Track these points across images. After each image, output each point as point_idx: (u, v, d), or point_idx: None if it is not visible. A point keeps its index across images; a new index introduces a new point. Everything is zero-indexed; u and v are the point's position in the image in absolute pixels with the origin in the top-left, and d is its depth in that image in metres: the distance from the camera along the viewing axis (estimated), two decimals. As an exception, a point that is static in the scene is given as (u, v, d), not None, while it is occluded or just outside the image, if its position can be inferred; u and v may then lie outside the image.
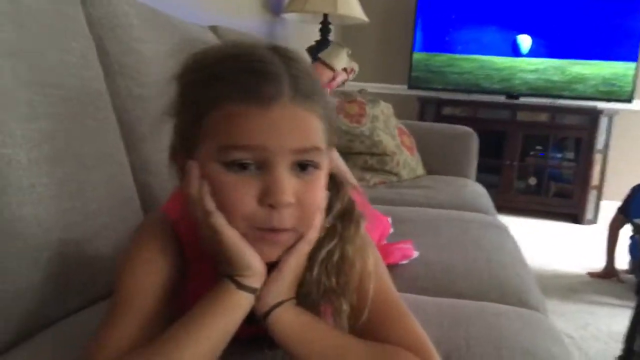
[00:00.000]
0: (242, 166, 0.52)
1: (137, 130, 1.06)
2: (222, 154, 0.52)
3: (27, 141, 0.73)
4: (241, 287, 0.54)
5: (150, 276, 0.58)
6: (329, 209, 0.61)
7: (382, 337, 0.58)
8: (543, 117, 3.60)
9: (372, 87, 3.30)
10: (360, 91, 2.14)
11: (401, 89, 3.90)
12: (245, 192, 0.52)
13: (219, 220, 0.53)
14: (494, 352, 0.69)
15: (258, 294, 0.55)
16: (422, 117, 3.65)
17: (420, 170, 2.14)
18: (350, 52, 2.09)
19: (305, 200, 0.54)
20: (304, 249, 0.57)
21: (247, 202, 0.52)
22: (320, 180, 0.56)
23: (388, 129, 2.02)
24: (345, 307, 0.58)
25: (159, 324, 0.55)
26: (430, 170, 2.20)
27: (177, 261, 0.61)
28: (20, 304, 0.68)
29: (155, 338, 0.52)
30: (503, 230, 1.42)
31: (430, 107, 3.66)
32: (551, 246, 3.02)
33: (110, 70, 1.04)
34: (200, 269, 0.62)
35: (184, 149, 0.56)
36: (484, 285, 1.01)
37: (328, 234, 0.60)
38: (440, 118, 3.57)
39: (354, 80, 2.26)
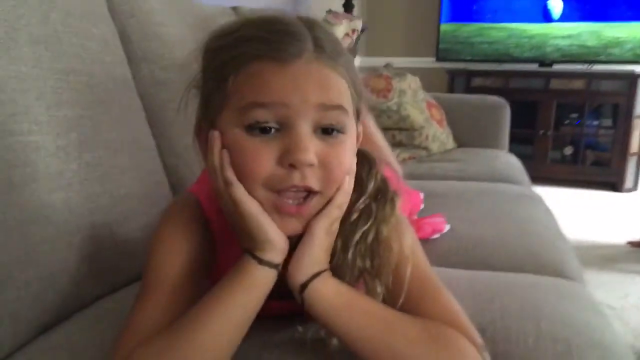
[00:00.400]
0: (263, 130, 0.50)
1: (162, 114, 1.06)
2: (243, 116, 0.51)
3: (54, 128, 0.74)
4: (262, 262, 0.53)
5: (177, 258, 0.58)
6: (361, 188, 0.59)
7: (420, 314, 0.56)
8: (578, 84, 3.47)
9: (398, 61, 3.23)
10: (386, 65, 2.10)
11: (429, 61, 3.81)
12: (265, 155, 0.50)
13: (239, 191, 0.52)
14: (532, 324, 0.67)
15: (290, 265, 0.54)
16: (451, 90, 3.56)
17: (450, 144, 2.10)
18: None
19: (329, 163, 0.52)
20: (334, 213, 0.55)
21: (266, 165, 0.50)
22: (346, 144, 0.54)
23: (416, 103, 1.98)
24: (380, 289, 0.57)
25: (189, 306, 0.55)
26: (460, 143, 2.15)
27: (205, 242, 0.61)
28: (55, 287, 0.69)
29: (179, 319, 0.52)
30: (537, 201, 1.38)
31: (459, 80, 3.57)
32: (589, 216, 2.94)
33: (134, 56, 1.04)
34: (228, 249, 0.62)
35: (208, 120, 0.55)
36: (519, 257, 0.98)
37: (362, 214, 0.58)
38: (470, 90, 3.47)
39: (379, 55, 2.22)
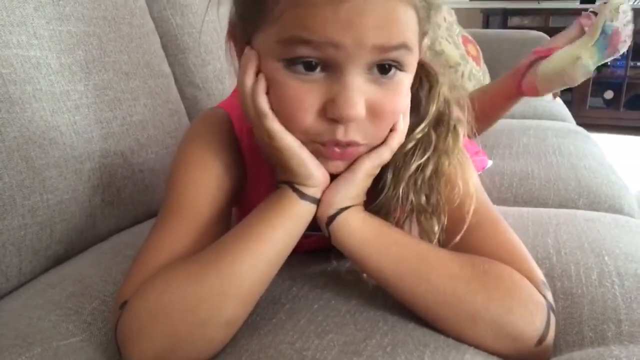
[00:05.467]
0: (307, 66, 0.42)
1: (178, 39, 0.98)
2: (284, 48, 0.42)
3: (56, 44, 0.66)
4: (303, 196, 0.47)
5: (205, 179, 0.52)
6: (419, 112, 0.51)
7: (474, 250, 0.49)
8: (623, 22, 3.25)
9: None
10: (419, -2, 1.95)
11: (462, 1, 3.61)
12: (307, 101, 0.43)
13: (275, 125, 0.45)
14: (593, 257, 0.59)
15: (322, 198, 0.48)
16: (486, 31, 3.39)
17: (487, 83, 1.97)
18: None
19: (381, 112, 0.45)
20: (384, 154, 0.48)
21: (307, 116, 0.44)
22: (404, 85, 0.46)
23: (451, 38, 1.85)
24: (437, 228, 0.50)
25: (217, 230, 0.49)
26: (498, 82, 2.02)
27: (236, 164, 0.54)
28: (65, 216, 0.64)
29: (209, 247, 0.46)
30: (585, 136, 1.28)
31: (495, 19, 3.39)
32: (634, 163, 2.79)
33: (146, -26, 0.95)
34: (260, 174, 0.56)
35: (244, 32, 0.47)
36: (570, 192, 0.90)
37: (419, 144, 0.50)
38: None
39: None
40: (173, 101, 0.90)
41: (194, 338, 0.43)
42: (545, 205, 0.85)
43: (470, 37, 1.98)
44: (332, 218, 0.48)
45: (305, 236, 0.60)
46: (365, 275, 0.51)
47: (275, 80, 0.44)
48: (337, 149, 0.46)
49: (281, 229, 0.46)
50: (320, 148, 0.46)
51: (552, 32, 2.89)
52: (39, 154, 0.60)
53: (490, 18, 3.40)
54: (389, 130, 0.48)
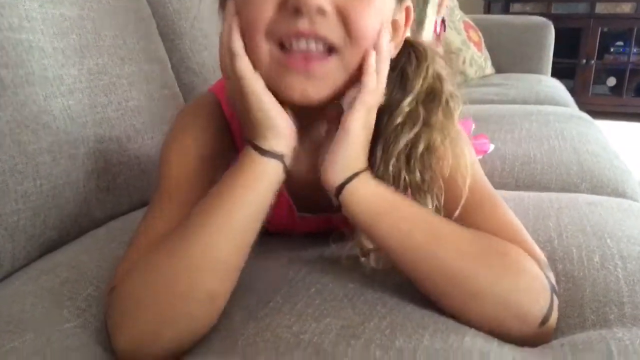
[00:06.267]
0: None
1: (175, 24, 0.97)
2: None
3: (49, 27, 0.65)
4: (264, 152, 0.45)
5: (194, 161, 0.51)
6: (406, 86, 0.50)
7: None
8: (626, 7, 3.21)
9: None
10: (420, -18, 1.93)
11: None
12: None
13: (243, 64, 0.45)
14: (595, 240, 0.58)
15: (323, 166, 0.47)
16: (487, 18, 3.35)
17: (489, 69, 1.96)
18: None
19: (348, 15, 0.43)
20: (367, 99, 0.46)
21: (266, 9, 0.43)
22: (377, 2, 0.45)
23: (452, 23, 1.83)
24: (431, 205, 0.49)
25: None
26: (499, 68, 2.00)
27: (226, 145, 0.54)
28: (59, 202, 0.63)
29: (183, 222, 0.45)
30: (588, 121, 1.26)
31: (497, 5, 3.35)
32: (637, 149, 2.77)
33: (141, -42, 0.94)
34: None
35: None
36: (573, 176, 0.89)
37: (408, 119, 0.49)
38: (508, 16, 3.27)
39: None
40: (169, 87, 0.89)
41: (178, 316, 0.42)
42: (547, 189, 0.84)
43: (471, 23, 1.96)
44: (341, 187, 0.46)
45: (300, 217, 0.59)
46: (363, 259, 0.50)
47: None
48: (302, 47, 0.44)
49: (248, 191, 0.45)
50: (283, 59, 0.44)
51: (553, 18, 2.88)
52: (32, 139, 0.59)
53: (492, 4, 3.37)
54: (362, 44, 0.45)
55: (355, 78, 0.46)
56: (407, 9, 0.51)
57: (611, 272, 0.52)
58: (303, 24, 0.42)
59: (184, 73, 0.98)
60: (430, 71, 0.50)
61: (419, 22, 1.06)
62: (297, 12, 0.42)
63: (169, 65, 0.91)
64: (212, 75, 1.02)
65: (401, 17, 0.51)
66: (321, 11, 0.42)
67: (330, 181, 0.47)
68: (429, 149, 0.49)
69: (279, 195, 0.50)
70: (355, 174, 0.46)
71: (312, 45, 0.43)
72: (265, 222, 0.46)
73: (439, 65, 0.51)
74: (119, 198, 0.73)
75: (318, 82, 0.45)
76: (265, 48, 0.44)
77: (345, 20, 0.43)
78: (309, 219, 0.59)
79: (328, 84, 0.45)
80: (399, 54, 0.52)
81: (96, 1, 0.75)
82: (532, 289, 0.44)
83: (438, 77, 0.51)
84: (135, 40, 0.82)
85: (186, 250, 0.43)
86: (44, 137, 0.61)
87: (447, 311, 0.45)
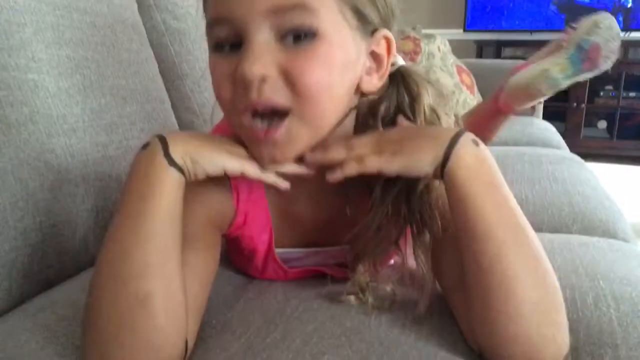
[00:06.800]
0: (219, 47, 0.46)
1: (176, 66, 1.00)
2: (209, 35, 0.47)
3: (55, 68, 0.67)
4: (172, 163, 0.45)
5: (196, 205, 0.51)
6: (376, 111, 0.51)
7: None
8: (614, 53, 3.30)
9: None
10: (414, 28, 1.99)
11: (456, 33, 3.67)
12: (219, 72, 0.46)
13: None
14: (588, 281, 0.59)
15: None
16: (479, 62, 3.43)
17: (481, 111, 2.00)
18: None
19: (292, 73, 0.44)
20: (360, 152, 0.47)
21: (224, 86, 0.46)
22: (321, 51, 0.44)
23: (446, 67, 1.88)
24: (428, 241, 0.51)
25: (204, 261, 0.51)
26: (492, 111, 2.04)
27: (225, 196, 0.54)
28: (58, 239, 0.63)
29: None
30: (580, 164, 1.29)
31: (488, 50, 3.43)
32: (628, 191, 2.80)
33: (144, 3, 0.97)
34: (247, 196, 0.55)
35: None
36: (565, 217, 0.90)
37: None
38: (499, 62, 3.34)
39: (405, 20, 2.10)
40: (170, 126, 0.91)
41: (122, 328, 0.42)
42: (539, 230, 0.84)
43: (464, 67, 2.01)
44: (446, 157, 0.45)
45: (291, 269, 0.59)
46: (361, 297, 0.51)
47: (210, 67, 0.48)
48: (259, 125, 0.45)
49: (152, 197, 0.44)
50: (250, 132, 0.46)
51: (544, 62, 2.91)
52: (34, 176, 0.61)
53: (484, 49, 3.46)
54: (314, 99, 0.45)
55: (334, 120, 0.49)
56: (387, 39, 0.51)
57: (605, 313, 0.53)
58: (254, 96, 0.44)
59: (183, 113, 1.00)
60: (428, 110, 0.51)
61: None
62: (246, 86, 0.44)
63: (170, 106, 0.93)
64: (210, 114, 1.04)
65: (380, 48, 0.50)
66: (264, 79, 0.43)
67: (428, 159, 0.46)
68: (428, 187, 0.50)
69: (270, 259, 0.54)
70: (458, 135, 0.47)
71: (265, 124, 0.45)
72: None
73: (432, 96, 0.52)
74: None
75: (284, 147, 0.47)
76: (236, 121, 0.47)
77: (289, 80, 0.44)
78: (301, 270, 0.60)
79: (295, 145, 0.47)
80: (390, 82, 0.53)
81: (100, 43, 0.77)
82: (564, 329, 0.45)
83: (433, 111, 0.52)
84: (138, 80, 0.84)
85: (110, 259, 0.44)
86: (46, 175, 0.62)
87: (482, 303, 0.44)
